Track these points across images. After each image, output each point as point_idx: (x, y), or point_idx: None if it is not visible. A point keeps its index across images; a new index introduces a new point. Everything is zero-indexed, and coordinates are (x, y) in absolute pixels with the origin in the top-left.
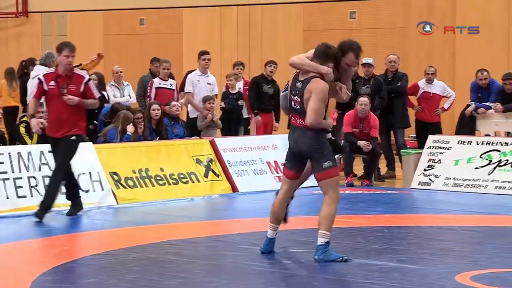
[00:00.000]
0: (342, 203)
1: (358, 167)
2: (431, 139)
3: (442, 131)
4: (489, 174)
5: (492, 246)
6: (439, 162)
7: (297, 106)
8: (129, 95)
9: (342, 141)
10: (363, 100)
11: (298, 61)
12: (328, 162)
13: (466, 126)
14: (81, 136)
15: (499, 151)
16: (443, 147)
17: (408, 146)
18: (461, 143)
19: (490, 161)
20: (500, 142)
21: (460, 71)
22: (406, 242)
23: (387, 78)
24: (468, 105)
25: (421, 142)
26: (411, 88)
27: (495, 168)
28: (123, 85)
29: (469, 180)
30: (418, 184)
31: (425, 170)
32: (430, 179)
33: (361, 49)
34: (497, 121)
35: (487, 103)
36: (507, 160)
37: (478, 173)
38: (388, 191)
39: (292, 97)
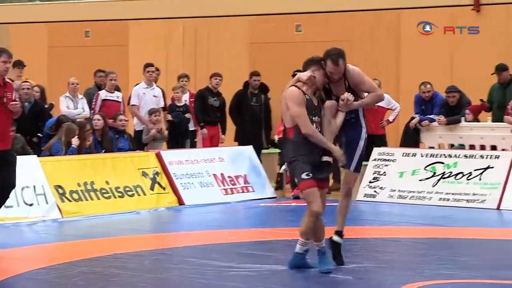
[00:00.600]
0: (287, 215)
1: None
2: (376, 151)
3: (387, 143)
4: (433, 186)
5: (436, 257)
6: (384, 174)
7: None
8: (83, 108)
9: None
10: None
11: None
12: (296, 178)
13: (411, 138)
14: None
15: (443, 163)
16: (388, 159)
17: None
18: (405, 155)
19: (434, 173)
20: (444, 155)
21: (404, 84)
22: (352, 254)
23: None
24: (413, 118)
25: (366, 155)
26: None
27: (439, 180)
28: (78, 97)
29: (413, 192)
30: (364, 196)
31: (370, 182)
32: (375, 191)
33: (340, 55)
34: (441, 134)
35: (431, 116)
36: (451, 172)
37: (423, 185)
38: (334, 203)
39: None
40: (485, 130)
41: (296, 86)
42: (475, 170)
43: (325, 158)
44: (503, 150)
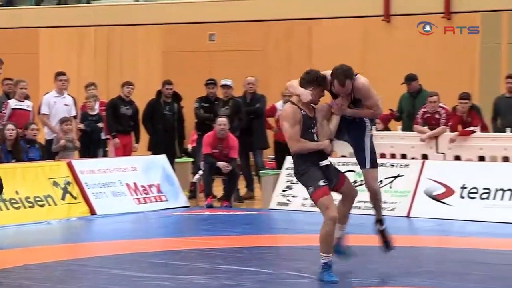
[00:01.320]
0: (201, 224)
1: (218, 188)
2: (289, 160)
3: None
4: None
5: (346, 265)
6: (296, 183)
7: None
8: None
9: (202, 162)
10: (222, 121)
11: (288, 83)
12: (310, 188)
13: None
14: None
15: (354, 171)
16: None
17: (267, 167)
18: None
19: None
20: (356, 163)
21: None
22: (265, 263)
23: (246, 99)
24: None
25: (279, 163)
26: (269, 110)
27: None
28: None
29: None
30: (277, 205)
31: (283, 190)
32: (288, 200)
33: (348, 76)
34: None
35: None
36: (362, 181)
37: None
38: (247, 212)
39: None
40: (395, 139)
41: (291, 102)
42: (385, 178)
43: (323, 163)
44: (412, 158)
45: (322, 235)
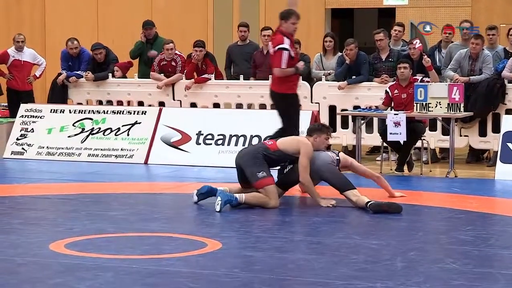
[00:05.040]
0: None
1: None
2: (23, 107)
3: (34, 99)
4: (82, 142)
5: (86, 213)
6: (32, 131)
7: None
8: None
9: None
10: None
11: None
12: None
13: (58, 94)
14: None
15: (91, 119)
16: (36, 116)
17: (0, 116)
18: (53, 112)
19: (83, 129)
20: (92, 111)
21: (50, 39)
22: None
23: None
24: (60, 74)
25: (13, 111)
26: (1, 56)
27: (87, 136)
28: None
29: (62, 148)
30: (11, 154)
31: (17, 139)
32: (23, 148)
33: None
34: (89, 90)
35: (78, 72)
36: (100, 128)
37: (71, 141)
38: None
39: None
40: (132, 86)
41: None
42: (123, 125)
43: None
44: (149, 106)
45: (257, 199)
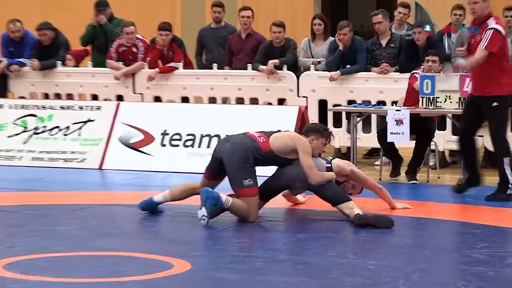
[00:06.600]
0: None
1: None
2: None
3: None
4: (24, 144)
5: (29, 228)
6: None
7: None
8: None
9: None
10: None
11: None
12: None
13: None
14: None
15: (35, 116)
16: None
17: None
18: None
19: (26, 128)
20: (37, 106)
21: None
22: None
23: None
24: (0, 61)
25: None
26: None
27: (31, 136)
28: None
29: (1, 151)
30: None
31: None
32: None
33: None
34: (33, 81)
35: (21, 59)
36: (45, 127)
37: (12, 142)
38: None
39: None
40: (85, 77)
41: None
42: (73, 124)
43: None
44: (105, 100)
45: (241, 209)
